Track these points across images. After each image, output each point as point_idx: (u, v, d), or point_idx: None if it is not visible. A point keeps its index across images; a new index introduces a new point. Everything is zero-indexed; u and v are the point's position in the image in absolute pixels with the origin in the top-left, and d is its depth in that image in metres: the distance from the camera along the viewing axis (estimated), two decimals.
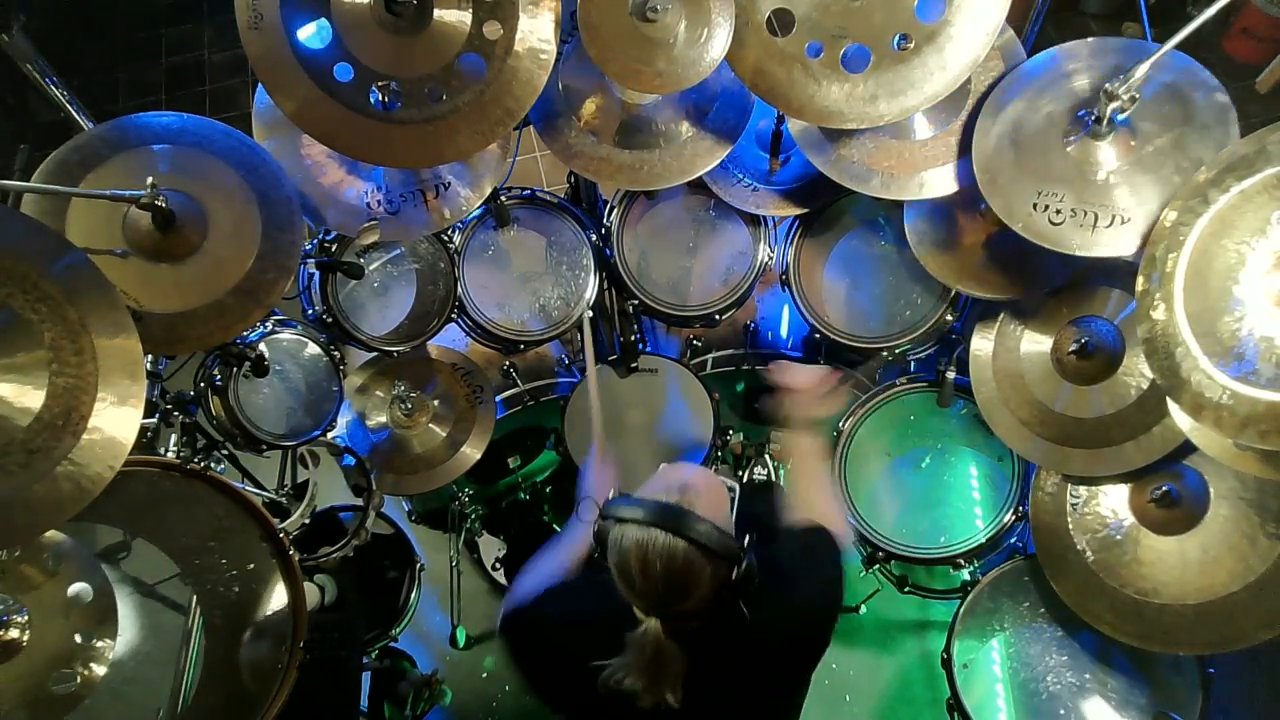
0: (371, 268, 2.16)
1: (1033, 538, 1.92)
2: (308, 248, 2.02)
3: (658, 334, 2.71)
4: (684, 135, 1.90)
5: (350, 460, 2.15)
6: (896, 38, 1.56)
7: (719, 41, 1.57)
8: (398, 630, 2.45)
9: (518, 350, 2.37)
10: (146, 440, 1.68)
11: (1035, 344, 1.89)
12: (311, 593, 2.00)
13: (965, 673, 2.00)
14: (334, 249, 2.07)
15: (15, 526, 1.25)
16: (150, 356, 1.68)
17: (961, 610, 2.05)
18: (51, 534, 1.52)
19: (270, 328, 1.95)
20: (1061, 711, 1.92)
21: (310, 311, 2.11)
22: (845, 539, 1.50)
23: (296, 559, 1.71)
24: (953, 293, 2.05)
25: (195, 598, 1.62)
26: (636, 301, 2.26)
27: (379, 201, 1.89)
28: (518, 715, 2.73)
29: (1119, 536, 1.79)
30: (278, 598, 1.69)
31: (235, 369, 1.83)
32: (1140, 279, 1.45)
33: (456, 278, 2.21)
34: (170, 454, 1.67)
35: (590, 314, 2.26)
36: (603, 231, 2.27)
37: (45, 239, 1.34)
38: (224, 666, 1.61)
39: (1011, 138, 1.61)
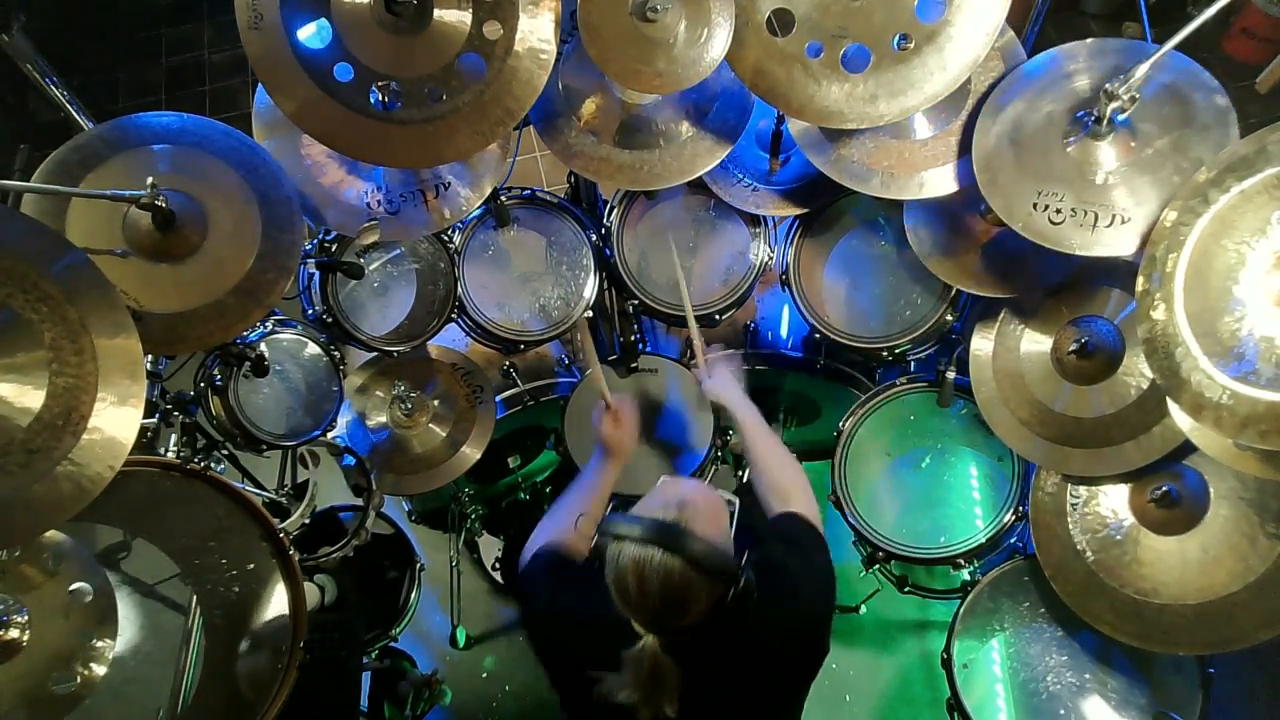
0: (371, 268, 2.16)
1: (1033, 538, 1.92)
2: (308, 248, 2.02)
3: (658, 334, 2.70)
4: (684, 135, 1.90)
5: (350, 460, 2.15)
6: (896, 38, 1.56)
7: (719, 41, 1.57)
8: (398, 630, 2.45)
9: (518, 350, 2.36)
10: (146, 440, 1.68)
11: (1035, 344, 1.89)
12: (311, 593, 2.00)
13: (965, 673, 2.00)
14: (334, 249, 2.07)
15: (15, 526, 1.25)
16: (150, 356, 1.68)
17: (961, 610, 2.05)
18: (51, 534, 1.52)
19: (270, 328, 1.95)
20: (1061, 711, 1.92)
21: (310, 311, 2.11)
22: (816, 517, 1.52)
23: (296, 559, 1.71)
24: (953, 293, 2.05)
25: (195, 598, 1.62)
26: (636, 301, 2.26)
27: (379, 201, 1.89)
28: (518, 715, 2.73)
29: (1119, 536, 1.79)
30: (278, 598, 1.69)
31: (235, 369, 1.83)
32: (1140, 279, 1.45)
33: (456, 278, 2.21)
34: (170, 454, 1.67)
35: (590, 314, 2.27)
36: (603, 231, 2.28)
37: (45, 239, 1.34)
38: (224, 666, 1.61)
39: (1011, 137, 1.61)
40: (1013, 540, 2.16)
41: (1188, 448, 1.62)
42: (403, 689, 2.38)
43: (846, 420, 2.23)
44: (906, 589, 2.34)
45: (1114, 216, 1.50)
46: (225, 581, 1.66)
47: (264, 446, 1.89)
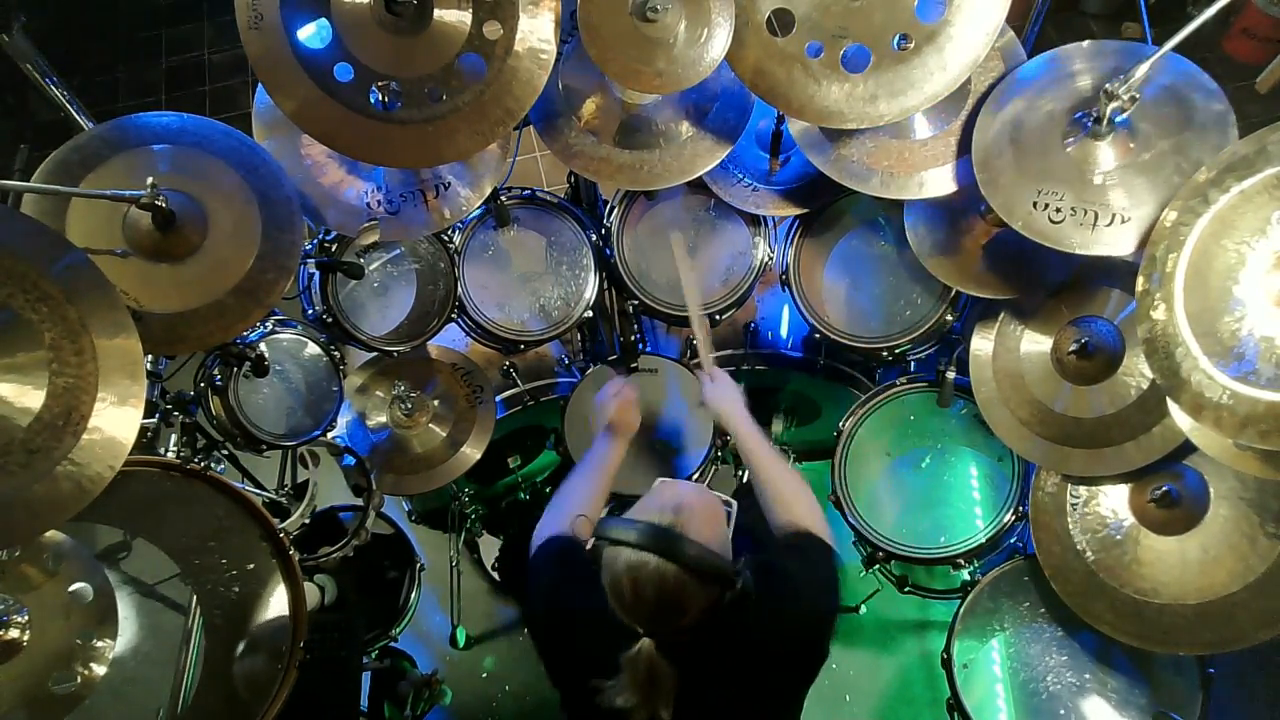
0: (371, 268, 2.16)
1: (1033, 538, 1.91)
2: (308, 248, 2.02)
3: (658, 334, 2.71)
4: (684, 135, 1.90)
5: (350, 460, 2.15)
6: (896, 38, 1.56)
7: (719, 41, 1.57)
8: (398, 630, 2.45)
9: (518, 350, 2.37)
10: (146, 440, 1.68)
11: (1035, 344, 1.89)
12: (311, 593, 2.00)
13: (965, 673, 2.00)
14: (334, 249, 2.07)
15: (15, 526, 1.25)
16: (150, 356, 1.68)
17: (961, 610, 2.05)
18: (51, 534, 1.52)
19: (270, 328, 1.95)
20: (1061, 711, 1.92)
21: (310, 311, 2.11)
22: (830, 538, 1.51)
23: (296, 559, 1.72)
24: (953, 293, 2.05)
25: (195, 598, 1.62)
26: (636, 301, 2.26)
27: (379, 201, 1.89)
28: (517, 715, 2.73)
29: (1119, 536, 1.79)
30: (278, 598, 1.69)
31: (235, 369, 1.82)
32: (1140, 279, 1.45)
33: (456, 278, 2.21)
34: (170, 454, 1.67)
35: (590, 314, 2.27)
36: (603, 231, 2.28)
37: (45, 239, 1.34)
38: (224, 667, 1.61)
39: (1011, 137, 1.61)
40: (1013, 540, 2.16)
41: (1188, 448, 1.62)
42: (403, 689, 2.38)
43: (846, 420, 2.23)
44: (906, 589, 2.34)
45: (1114, 216, 1.50)
46: (225, 581, 1.66)
47: (264, 446, 1.89)
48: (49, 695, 1.45)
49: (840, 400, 2.46)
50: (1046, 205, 1.55)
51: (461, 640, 2.66)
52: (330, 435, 2.10)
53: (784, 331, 2.63)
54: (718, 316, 2.27)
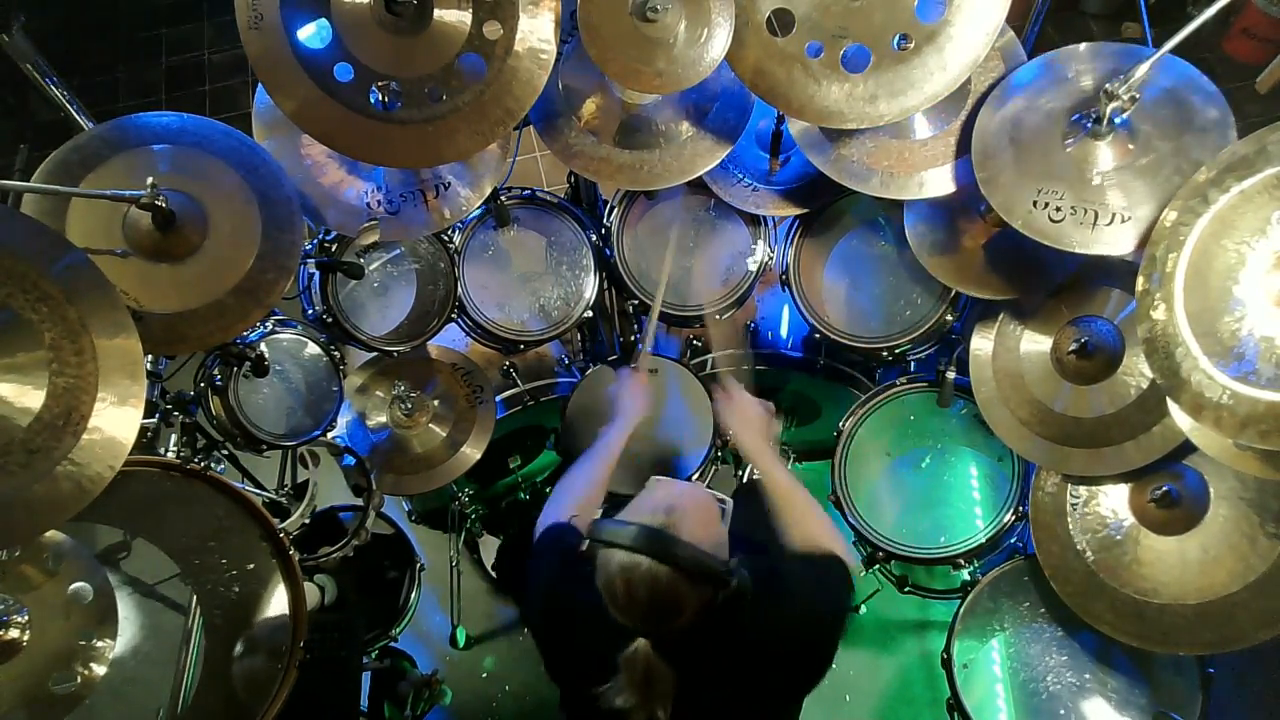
0: (371, 268, 2.16)
1: (1033, 538, 1.91)
2: (308, 248, 2.02)
3: (658, 334, 2.70)
4: (684, 135, 1.90)
5: (350, 460, 2.15)
6: (896, 38, 1.56)
7: (719, 41, 1.57)
8: (398, 630, 2.45)
9: (518, 350, 2.37)
10: (146, 440, 1.68)
11: (1035, 344, 1.89)
12: (311, 593, 2.00)
13: (965, 673, 2.00)
14: (334, 249, 2.07)
15: (15, 526, 1.25)
16: (150, 356, 1.68)
17: (961, 610, 2.05)
18: (51, 534, 1.52)
19: (270, 328, 1.95)
20: (1061, 711, 1.92)
21: (310, 311, 2.11)
22: (852, 564, 1.50)
23: (296, 559, 1.72)
24: (953, 293, 2.05)
25: (195, 598, 1.62)
26: (636, 301, 2.26)
27: (379, 201, 1.89)
28: (517, 715, 2.73)
29: (1119, 536, 1.79)
30: (278, 598, 1.69)
31: (235, 369, 1.82)
32: (1140, 279, 1.45)
33: (456, 278, 2.21)
34: (170, 454, 1.67)
35: (590, 314, 2.26)
36: (603, 231, 2.28)
37: (45, 239, 1.34)
38: (224, 667, 1.61)
39: (1011, 137, 1.61)
40: (1013, 540, 2.16)
41: (1188, 448, 1.62)
42: (403, 689, 2.38)
43: (846, 420, 2.23)
44: (906, 589, 2.34)
45: (1113, 215, 1.50)
46: (225, 581, 1.66)
47: (264, 446, 1.89)
48: (49, 695, 1.45)
49: (840, 400, 2.46)
50: (1046, 204, 1.55)
51: (461, 640, 2.66)
52: (330, 435, 2.10)
53: (784, 331, 2.63)
54: (718, 316, 2.27)
